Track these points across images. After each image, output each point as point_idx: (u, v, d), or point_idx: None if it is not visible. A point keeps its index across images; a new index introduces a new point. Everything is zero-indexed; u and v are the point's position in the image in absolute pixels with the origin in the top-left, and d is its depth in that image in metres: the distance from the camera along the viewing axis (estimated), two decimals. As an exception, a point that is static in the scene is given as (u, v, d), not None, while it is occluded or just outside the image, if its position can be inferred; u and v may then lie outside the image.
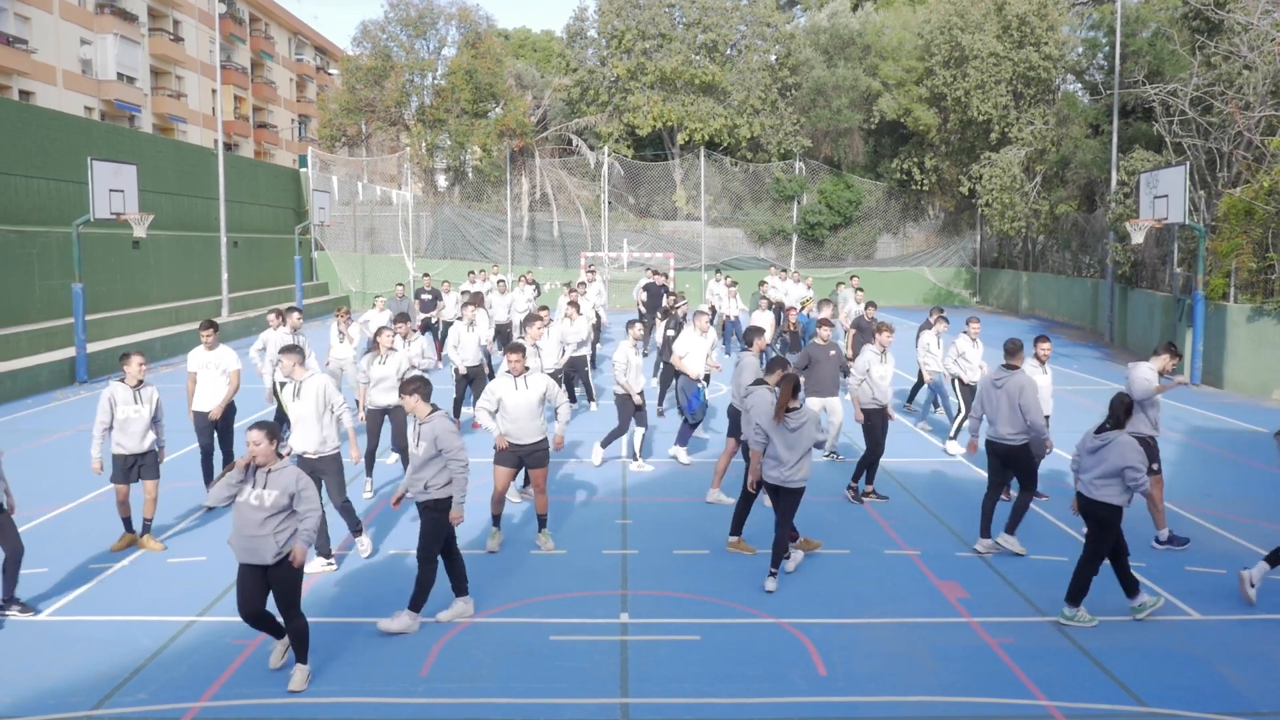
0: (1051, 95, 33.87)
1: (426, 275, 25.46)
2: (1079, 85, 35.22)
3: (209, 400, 11.07)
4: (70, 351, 19.89)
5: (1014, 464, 9.53)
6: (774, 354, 12.68)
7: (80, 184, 20.88)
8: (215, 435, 11.22)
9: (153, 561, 9.25)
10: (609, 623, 7.85)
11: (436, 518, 7.66)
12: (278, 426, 6.95)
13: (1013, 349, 9.78)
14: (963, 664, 7.16)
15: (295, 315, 14.04)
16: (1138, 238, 20.88)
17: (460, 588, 7.99)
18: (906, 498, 11.51)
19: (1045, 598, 8.41)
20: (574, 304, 17.13)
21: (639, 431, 12.62)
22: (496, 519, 9.77)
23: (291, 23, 65.64)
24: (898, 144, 39.13)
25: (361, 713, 6.42)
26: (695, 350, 13.09)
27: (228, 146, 45.09)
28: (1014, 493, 10.77)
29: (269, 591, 6.68)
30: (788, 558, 8.94)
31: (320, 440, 8.95)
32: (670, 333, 16.23)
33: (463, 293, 22.74)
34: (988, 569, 9.13)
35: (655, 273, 25.25)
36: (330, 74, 67.12)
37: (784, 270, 27.60)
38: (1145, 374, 9.70)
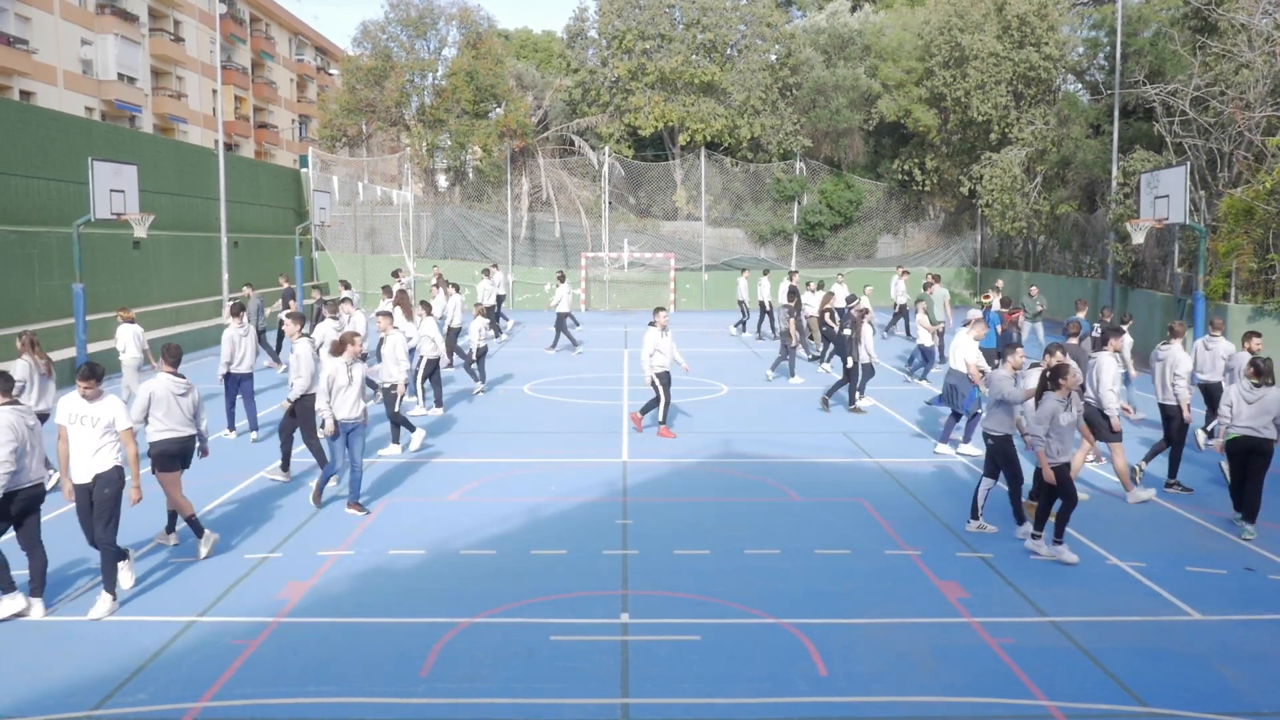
0: (1052, 95, 33.86)
1: (282, 275, 25.17)
2: (1079, 85, 35.21)
3: (85, 465, 8.15)
4: (70, 351, 19.88)
5: None
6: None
7: (80, 184, 20.87)
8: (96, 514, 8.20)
9: (153, 561, 9.25)
10: (609, 623, 7.84)
11: None
12: None
13: None
14: (963, 664, 7.15)
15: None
16: (1138, 238, 20.86)
17: (32, 586, 7.95)
18: (906, 498, 11.50)
19: (1045, 598, 8.41)
20: (425, 304, 17.21)
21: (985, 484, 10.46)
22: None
23: (292, 23, 65.66)
24: (898, 144, 39.12)
25: (361, 713, 6.42)
26: (964, 350, 13.36)
27: (228, 147, 45.11)
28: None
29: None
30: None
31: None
32: (848, 331, 16.71)
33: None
34: (988, 569, 9.13)
35: (792, 274, 25.85)
36: (331, 74, 67.18)
37: (906, 271, 27.92)
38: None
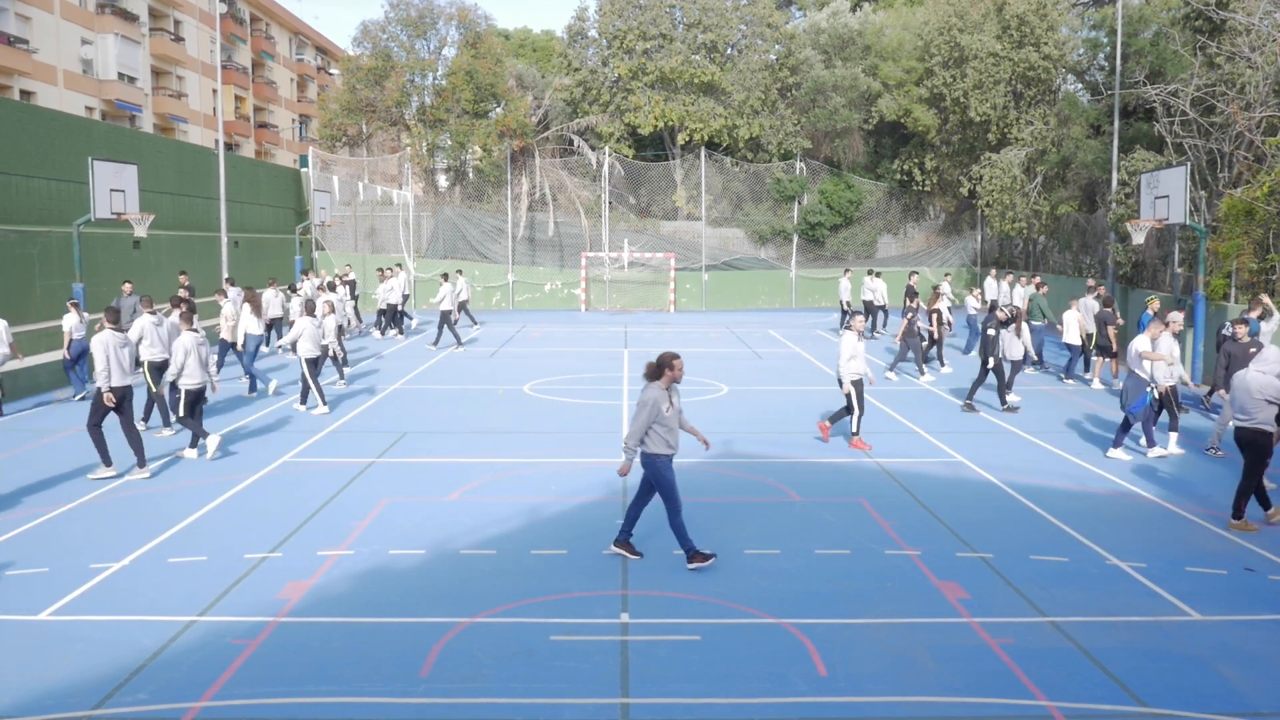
0: (1052, 95, 33.86)
1: (182, 274, 23.81)
2: (1080, 85, 35.22)
3: None
4: (70, 351, 19.87)
5: None
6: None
7: (80, 184, 20.88)
8: None
9: (153, 561, 9.25)
10: (609, 623, 7.84)
11: None
12: None
13: None
14: (963, 664, 7.15)
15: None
16: (1138, 238, 20.88)
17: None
18: (906, 498, 11.51)
19: (1045, 598, 8.40)
20: (309, 303, 17.24)
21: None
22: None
23: (292, 23, 65.66)
24: (898, 144, 39.14)
25: (361, 713, 6.42)
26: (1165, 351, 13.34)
27: (228, 146, 45.11)
28: None
29: None
30: None
31: None
32: (991, 331, 16.81)
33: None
34: (988, 569, 9.13)
35: (913, 273, 26.06)
36: (331, 74, 67.15)
37: (1004, 273, 27.68)
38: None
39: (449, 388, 19.23)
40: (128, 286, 21.37)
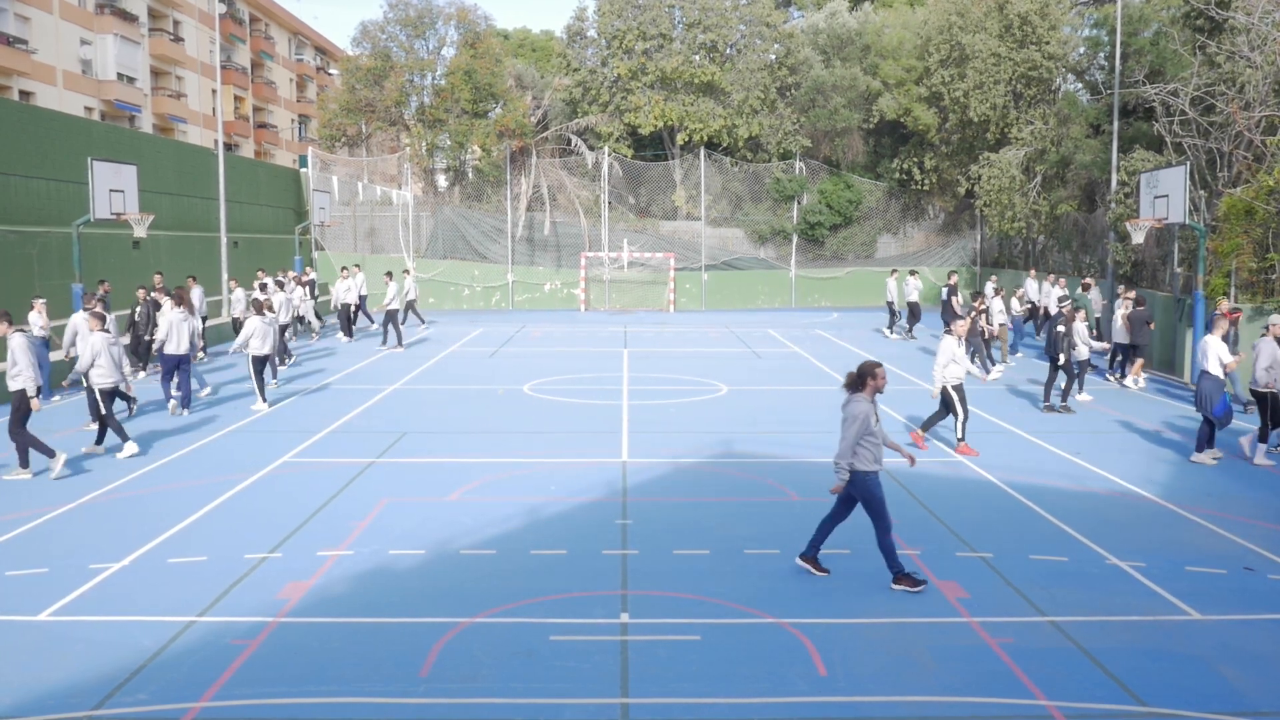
0: (1052, 95, 33.86)
1: (157, 274, 23.33)
2: (1079, 85, 35.24)
3: None
4: (70, 351, 19.84)
5: None
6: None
7: (80, 184, 20.86)
8: None
9: (152, 562, 9.25)
10: (609, 623, 7.84)
11: None
12: None
13: None
14: (963, 664, 7.15)
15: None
16: (1138, 238, 20.87)
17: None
18: (906, 497, 11.50)
19: (1045, 598, 8.40)
20: (256, 302, 17.38)
21: None
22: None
23: (291, 23, 65.66)
24: (897, 144, 39.15)
25: (361, 713, 6.42)
26: (1214, 351, 13.36)
27: (228, 146, 45.08)
28: None
29: None
30: None
31: None
32: (1061, 329, 16.83)
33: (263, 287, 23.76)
34: (988, 569, 9.13)
35: (951, 274, 25.85)
36: (330, 74, 67.16)
37: (1046, 274, 27.59)
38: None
39: (448, 388, 19.23)
40: (105, 286, 21.34)
